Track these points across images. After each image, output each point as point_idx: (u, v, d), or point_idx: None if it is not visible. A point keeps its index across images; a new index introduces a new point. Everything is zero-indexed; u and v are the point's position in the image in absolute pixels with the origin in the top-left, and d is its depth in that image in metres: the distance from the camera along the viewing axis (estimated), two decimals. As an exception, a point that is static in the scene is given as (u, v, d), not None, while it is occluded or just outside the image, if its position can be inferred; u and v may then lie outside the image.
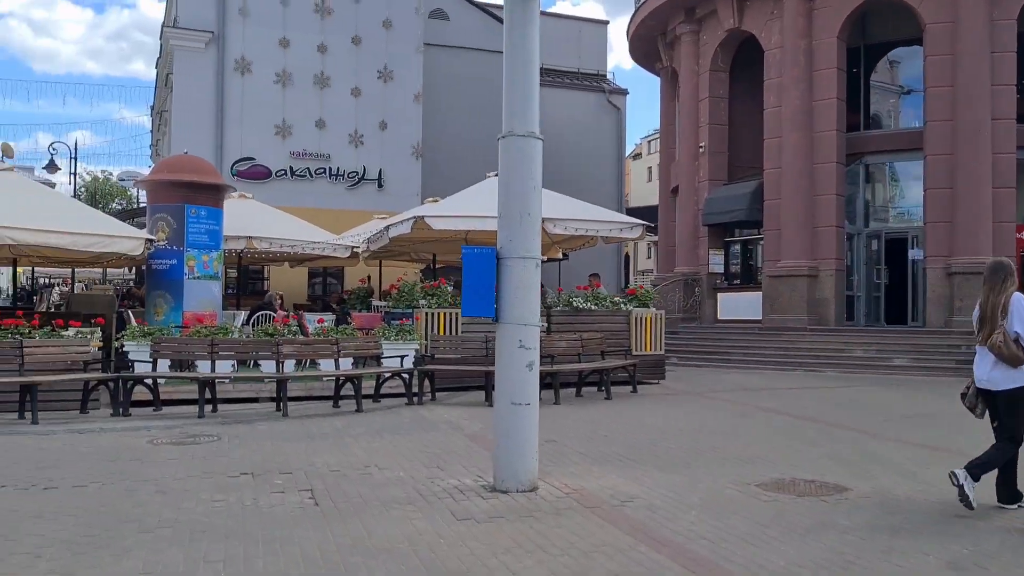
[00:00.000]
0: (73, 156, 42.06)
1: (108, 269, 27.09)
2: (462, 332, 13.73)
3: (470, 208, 15.04)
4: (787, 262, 22.17)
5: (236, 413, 11.27)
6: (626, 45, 30.43)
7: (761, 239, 24.05)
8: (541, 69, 32.63)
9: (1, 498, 6.64)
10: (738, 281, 25.70)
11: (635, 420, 11.33)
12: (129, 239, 12.39)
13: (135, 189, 55.63)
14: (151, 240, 12.72)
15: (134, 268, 25.53)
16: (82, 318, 15.17)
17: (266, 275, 26.52)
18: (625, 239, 16.14)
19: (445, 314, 13.83)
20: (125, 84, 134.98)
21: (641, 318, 14.95)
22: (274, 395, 12.02)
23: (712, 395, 14.36)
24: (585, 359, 13.58)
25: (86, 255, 14.43)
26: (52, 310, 16.92)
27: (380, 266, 22.33)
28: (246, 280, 25.22)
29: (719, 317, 24.96)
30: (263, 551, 5.23)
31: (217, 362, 11.50)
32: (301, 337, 12.50)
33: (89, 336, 11.51)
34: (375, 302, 18.05)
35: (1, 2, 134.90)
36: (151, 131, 43.24)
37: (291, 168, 26.29)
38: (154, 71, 36.25)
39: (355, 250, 17.64)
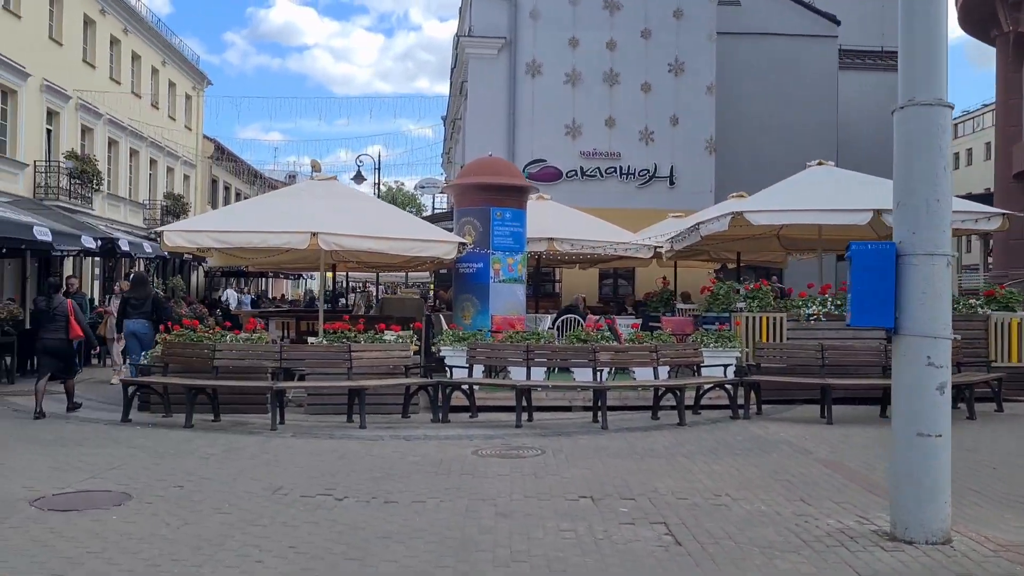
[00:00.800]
0: (377, 167, 45.21)
1: (409, 273, 28.42)
2: (788, 339, 12.33)
3: (790, 201, 13.59)
4: None
5: (552, 423, 10.75)
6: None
7: None
8: (840, 50, 29.68)
9: (345, 511, 6.42)
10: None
11: (1018, 448, 9.38)
12: (444, 243, 12.37)
13: (427, 196, 59.04)
14: (463, 244, 12.62)
15: (433, 272, 26.52)
16: (397, 322, 15.61)
17: (557, 277, 26.42)
18: (980, 231, 13.81)
19: (768, 319, 12.50)
20: (412, 100, 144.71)
21: (1003, 324, 12.64)
22: (587, 404, 11.42)
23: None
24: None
25: (401, 259, 14.75)
26: (364, 313, 17.69)
27: (675, 267, 21.23)
28: (539, 282, 25.25)
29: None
30: (641, 607, 4.40)
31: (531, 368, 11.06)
32: (616, 344, 11.76)
33: (408, 340, 11.54)
34: (678, 304, 17.03)
35: (307, 35, 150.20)
36: (444, 139, 45.31)
37: (581, 168, 25.99)
38: (438, 85, 37.74)
39: (658, 250, 16.73)
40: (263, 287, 45.88)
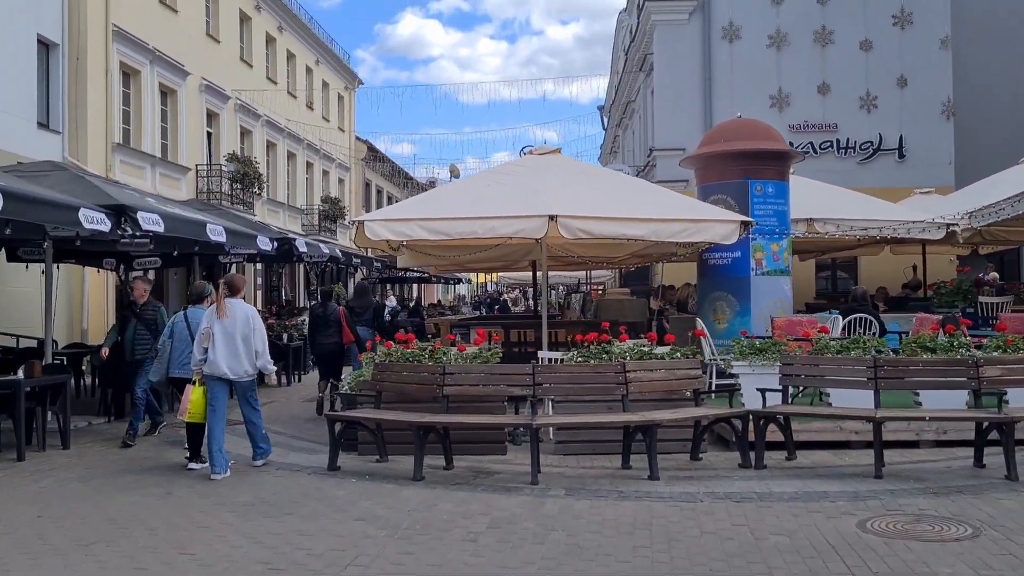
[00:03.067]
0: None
1: (593, 272, 25.39)
2: None
3: None
4: None
5: (923, 470, 7.54)
6: None
7: None
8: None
9: None
10: None
11: None
12: (723, 223, 9.32)
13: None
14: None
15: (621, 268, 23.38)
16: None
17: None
18: None
19: None
20: (535, 105, 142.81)
21: None
22: (939, 438, 8.18)
23: None
24: None
25: (639, 249, 11.88)
26: (583, 317, 14.83)
27: (924, 253, 17.32)
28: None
29: None
30: None
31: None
32: (1005, 355, 8.27)
33: (692, 354, 8.56)
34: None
35: (435, 47, 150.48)
36: (605, 130, 42.30)
37: (791, 144, 22.27)
38: (561, 88, 34.78)
39: (953, 229, 13.10)
40: (412, 293, 43.83)
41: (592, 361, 8.32)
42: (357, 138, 38.49)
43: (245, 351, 7.85)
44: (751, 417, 7.75)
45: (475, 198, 9.90)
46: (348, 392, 8.91)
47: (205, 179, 23.05)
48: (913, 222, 13.22)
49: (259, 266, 25.92)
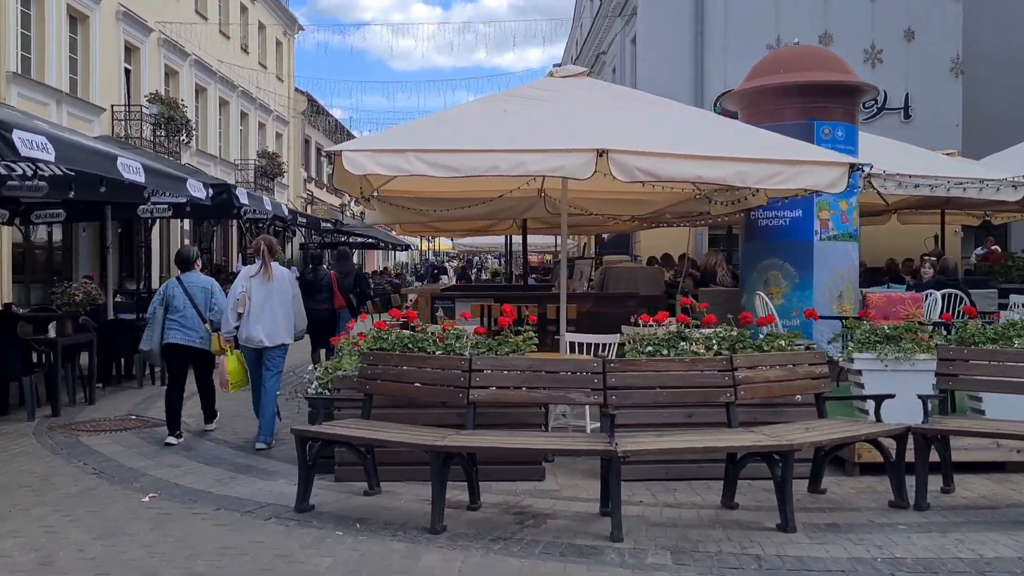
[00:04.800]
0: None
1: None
2: None
3: None
4: None
5: None
6: None
7: None
8: None
9: None
10: None
11: None
12: (828, 166, 6.91)
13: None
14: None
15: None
16: (640, 305, 10.60)
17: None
18: None
19: None
20: (473, 74, 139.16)
21: None
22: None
23: None
24: None
25: (682, 199, 9.52)
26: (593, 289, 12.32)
27: (943, 221, 15.36)
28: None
29: None
30: None
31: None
32: None
33: (797, 341, 6.22)
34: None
35: (367, 12, 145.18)
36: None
37: (789, 100, 20.20)
38: (495, 59, 32.07)
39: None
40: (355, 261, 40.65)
41: (678, 354, 5.90)
42: (297, 89, 35.17)
43: (283, 317, 7.37)
44: (924, 437, 5.42)
45: (491, 126, 7.32)
46: (319, 393, 6.30)
47: (123, 122, 19.84)
48: (986, 180, 11.08)
49: (186, 224, 22.82)
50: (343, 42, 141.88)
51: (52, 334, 9.31)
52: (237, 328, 7.32)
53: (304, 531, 5.04)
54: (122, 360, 11.35)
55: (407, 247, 37.74)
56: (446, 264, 46.51)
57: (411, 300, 12.48)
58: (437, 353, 5.98)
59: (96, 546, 4.78)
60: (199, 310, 7.61)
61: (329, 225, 21.48)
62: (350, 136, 39.93)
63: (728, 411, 5.46)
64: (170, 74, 23.31)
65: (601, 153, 6.50)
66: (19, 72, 16.19)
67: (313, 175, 38.05)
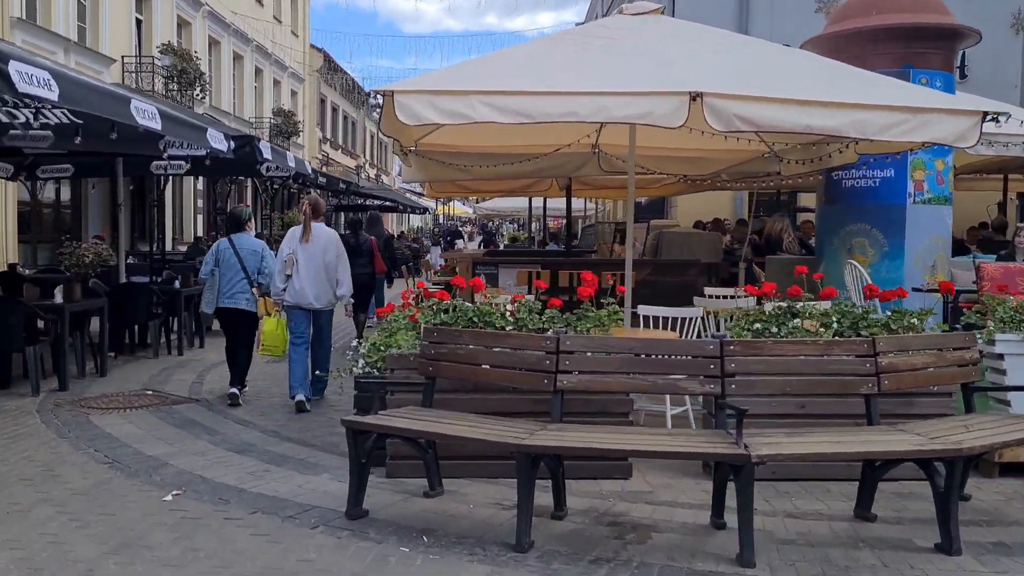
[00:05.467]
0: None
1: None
2: None
3: None
4: None
5: None
6: None
7: None
8: None
9: None
10: None
11: None
12: (955, 115, 5.89)
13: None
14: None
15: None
16: (698, 272, 9.72)
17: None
18: None
19: None
20: (481, 36, 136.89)
21: None
22: None
23: None
24: None
25: (747, 155, 8.53)
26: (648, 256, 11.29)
27: (1005, 189, 14.27)
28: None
29: None
30: None
31: None
32: None
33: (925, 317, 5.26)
34: None
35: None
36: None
37: (838, 57, 19.04)
38: (507, 21, 30.77)
39: None
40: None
41: (789, 333, 4.96)
42: (312, 46, 33.99)
43: (328, 278, 7.28)
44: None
45: (564, 67, 6.31)
46: (369, 376, 5.38)
47: (134, 74, 18.84)
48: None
49: (200, 183, 21.88)
50: (353, 2, 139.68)
51: (59, 299, 8.43)
52: (284, 291, 7.19)
53: (361, 545, 4.15)
54: (135, 327, 10.46)
55: (425, 210, 36.72)
56: (460, 228, 45.55)
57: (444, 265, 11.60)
58: (508, 329, 5.06)
59: (108, 565, 3.90)
60: (247, 272, 7.47)
61: (342, 187, 20.49)
62: (366, 98, 38.84)
63: (868, 404, 4.52)
64: (182, 25, 22.24)
65: (695, 97, 5.51)
66: (23, 17, 15.18)
67: (328, 135, 36.96)
